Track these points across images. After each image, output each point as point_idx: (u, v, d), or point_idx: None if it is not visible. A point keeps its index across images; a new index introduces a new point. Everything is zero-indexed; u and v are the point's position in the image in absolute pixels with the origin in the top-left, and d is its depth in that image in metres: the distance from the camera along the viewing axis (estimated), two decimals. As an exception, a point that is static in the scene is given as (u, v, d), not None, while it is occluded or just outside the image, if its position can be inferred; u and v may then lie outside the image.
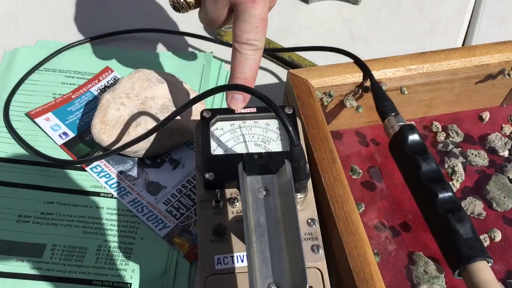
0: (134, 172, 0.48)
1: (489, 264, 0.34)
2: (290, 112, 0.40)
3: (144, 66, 0.51)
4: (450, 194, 0.36)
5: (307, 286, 0.26)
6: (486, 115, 0.51)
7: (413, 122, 0.47)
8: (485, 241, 0.42)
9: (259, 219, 0.31)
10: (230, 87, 0.38)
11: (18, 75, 0.53)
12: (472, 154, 0.48)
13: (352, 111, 0.47)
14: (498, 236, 0.42)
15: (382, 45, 0.60)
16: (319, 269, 0.34)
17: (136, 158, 0.48)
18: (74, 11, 0.61)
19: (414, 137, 0.39)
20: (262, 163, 0.34)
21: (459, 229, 0.34)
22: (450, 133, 0.49)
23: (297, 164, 0.33)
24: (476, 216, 0.45)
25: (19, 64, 0.54)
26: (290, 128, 0.31)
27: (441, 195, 0.36)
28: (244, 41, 0.39)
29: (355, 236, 0.36)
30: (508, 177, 0.47)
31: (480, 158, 0.48)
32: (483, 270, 0.33)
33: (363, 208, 0.43)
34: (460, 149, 0.49)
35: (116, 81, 0.53)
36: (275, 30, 0.61)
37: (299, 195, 0.35)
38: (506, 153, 0.49)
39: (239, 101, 0.40)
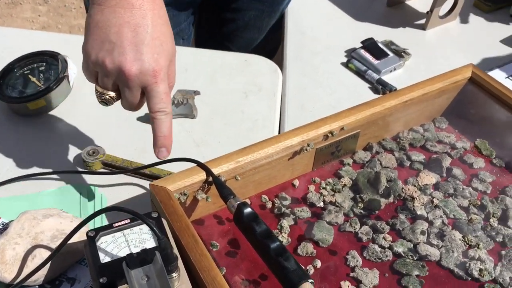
0: (37, 298, 0.56)
1: (312, 283, 0.49)
2: (156, 216, 0.54)
3: (28, 207, 0.61)
4: (278, 243, 0.52)
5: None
6: (296, 182, 0.69)
7: (247, 200, 0.64)
8: (311, 269, 0.58)
9: (146, 298, 0.42)
10: (107, 209, 0.50)
11: None
12: (298, 211, 0.66)
13: (204, 201, 0.62)
14: (318, 264, 0.59)
15: (220, 146, 0.77)
16: (200, 324, 0.46)
17: (37, 286, 0.57)
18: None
19: (247, 210, 0.55)
20: (141, 258, 0.46)
21: (287, 266, 0.49)
22: (277, 201, 0.66)
23: (166, 251, 0.46)
24: (310, 254, 0.61)
25: None
26: (153, 227, 0.45)
27: (272, 246, 0.51)
28: (157, 110, 0.56)
29: (222, 292, 0.50)
30: (326, 221, 0.65)
31: (304, 212, 0.66)
32: (308, 288, 0.48)
33: (225, 270, 0.57)
34: (290, 209, 0.66)
35: (5, 225, 0.62)
36: (135, 152, 0.75)
37: (173, 274, 0.48)
38: (321, 204, 0.67)
39: (165, 152, 0.58)
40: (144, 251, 0.46)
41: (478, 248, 0.62)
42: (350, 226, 0.64)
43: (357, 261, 0.61)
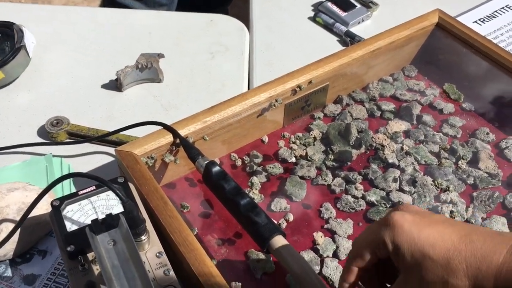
0: (8, 273, 0.55)
1: (283, 236, 0.49)
2: (122, 181, 0.52)
3: (-8, 183, 0.59)
4: (247, 199, 0.51)
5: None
6: (266, 138, 0.68)
7: (217, 160, 0.63)
8: (284, 223, 0.58)
9: (113, 263, 0.42)
10: (68, 176, 0.49)
11: None
12: (270, 167, 0.65)
13: (174, 164, 0.61)
14: (291, 217, 0.59)
15: (188, 108, 0.76)
16: (173, 286, 0.46)
17: (7, 260, 0.56)
18: None
19: (216, 169, 0.54)
20: (107, 223, 0.45)
21: (258, 221, 0.49)
22: (247, 158, 0.65)
23: (131, 215, 0.45)
24: (283, 210, 0.61)
25: None
26: (115, 190, 0.44)
27: (242, 202, 0.51)
28: None
29: (194, 252, 0.49)
30: (298, 176, 0.64)
31: (276, 168, 0.65)
32: (279, 241, 0.48)
33: (196, 230, 0.57)
34: (262, 166, 0.66)
35: (-32, 203, 0.60)
36: (101, 120, 0.73)
37: (142, 237, 0.47)
38: (293, 159, 0.67)
39: None
40: (110, 215, 0.45)
41: (449, 191, 0.62)
42: (322, 179, 0.64)
43: (331, 212, 0.61)
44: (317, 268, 0.56)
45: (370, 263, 0.41)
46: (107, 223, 0.44)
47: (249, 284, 0.54)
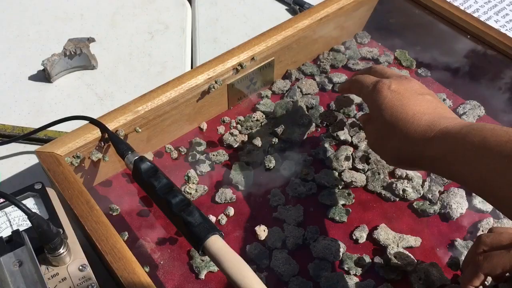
0: None
1: (220, 235, 0.44)
2: (40, 187, 0.47)
3: None
4: (180, 197, 0.46)
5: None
6: (204, 125, 0.63)
7: (150, 152, 0.58)
8: (223, 219, 0.54)
9: (19, 287, 0.37)
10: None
11: None
12: (214, 155, 0.60)
13: (108, 161, 0.56)
14: (231, 212, 0.54)
15: (126, 96, 0.70)
16: (98, 300, 0.42)
17: None
18: None
19: (145, 165, 0.49)
20: (13, 241, 0.40)
21: (191, 221, 0.44)
22: (183, 149, 0.60)
23: (41, 229, 0.40)
24: (229, 201, 0.56)
25: None
26: (20, 205, 0.38)
27: (173, 201, 0.46)
28: None
29: (123, 260, 0.44)
30: (244, 162, 0.60)
31: (221, 156, 0.60)
32: (215, 242, 0.43)
33: (127, 235, 0.52)
34: (206, 154, 0.61)
35: None
36: (29, 115, 0.67)
37: (60, 250, 0.42)
38: (240, 144, 0.62)
39: None
40: (16, 232, 0.40)
41: (404, 166, 0.58)
42: (269, 164, 0.59)
43: (280, 199, 0.57)
44: (266, 262, 0.52)
45: None
46: (13, 242, 0.39)
47: (193, 285, 0.50)
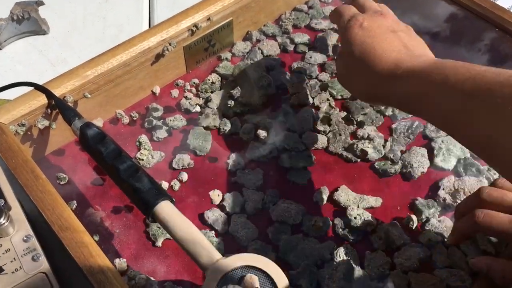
0: None
1: (172, 201, 0.43)
2: (-22, 158, 0.45)
3: None
4: (128, 163, 0.45)
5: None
6: (156, 89, 0.61)
7: (100, 118, 0.56)
8: (176, 184, 0.53)
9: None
10: None
11: None
12: (171, 120, 0.58)
13: (61, 129, 0.53)
14: (184, 177, 0.53)
15: (80, 61, 0.66)
16: (44, 272, 0.40)
17: None
18: None
19: (92, 131, 0.47)
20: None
21: (139, 187, 0.43)
22: (135, 114, 0.58)
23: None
24: (187, 166, 0.55)
25: None
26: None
27: (121, 167, 0.44)
28: None
29: (70, 229, 0.43)
30: (203, 126, 0.58)
31: (178, 121, 0.58)
32: (165, 208, 0.42)
33: (75, 204, 0.50)
34: (162, 120, 0.59)
35: None
36: (-24, 85, 0.63)
37: (1, 221, 0.40)
38: (198, 109, 0.60)
39: None
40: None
41: (366, 125, 0.57)
42: (229, 127, 0.57)
43: (239, 163, 0.55)
44: (224, 228, 0.51)
45: None
46: None
47: (149, 254, 0.49)
